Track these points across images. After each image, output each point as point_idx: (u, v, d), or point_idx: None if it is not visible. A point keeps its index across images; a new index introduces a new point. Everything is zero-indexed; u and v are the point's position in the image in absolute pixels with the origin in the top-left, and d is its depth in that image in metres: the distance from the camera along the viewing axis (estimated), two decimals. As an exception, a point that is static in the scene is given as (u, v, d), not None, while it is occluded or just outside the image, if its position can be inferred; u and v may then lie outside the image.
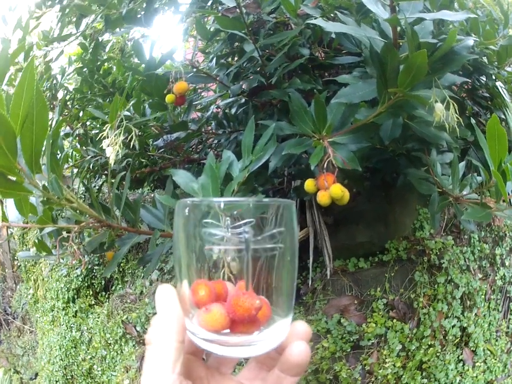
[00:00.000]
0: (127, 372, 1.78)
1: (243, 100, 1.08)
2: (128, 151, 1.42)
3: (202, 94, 1.51)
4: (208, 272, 0.31)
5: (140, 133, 1.45)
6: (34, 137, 0.58)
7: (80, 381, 2.05)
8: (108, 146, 0.75)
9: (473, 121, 0.92)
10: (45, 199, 0.69)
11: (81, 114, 1.63)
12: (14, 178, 0.60)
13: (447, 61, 0.63)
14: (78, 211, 0.80)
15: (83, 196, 1.91)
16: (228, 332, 0.30)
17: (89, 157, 1.22)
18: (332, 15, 0.97)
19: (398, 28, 0.63)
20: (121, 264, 2.07)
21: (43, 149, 0.62)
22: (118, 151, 0.75)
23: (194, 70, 1.01)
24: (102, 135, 0.78)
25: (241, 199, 0.33)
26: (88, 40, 1.51)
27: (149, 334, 0.30)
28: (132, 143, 0.84)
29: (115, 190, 0.84)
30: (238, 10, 0.77)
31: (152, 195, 1.79)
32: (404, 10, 0.64)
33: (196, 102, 1.27)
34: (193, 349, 0.33)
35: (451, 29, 0.91)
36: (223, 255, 0.31)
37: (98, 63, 1.53)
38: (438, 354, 1.34)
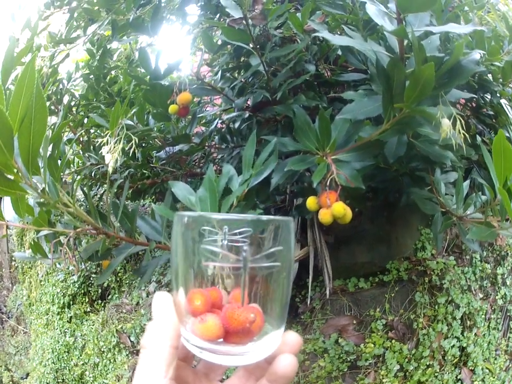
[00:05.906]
0: (118, 380, 1.76)
1: (247, 115, 1.07)
2: (131, 161, 1.41)
3: (207, 108, 1.50)
4: (205, 285, 0.32)
5: (143, 144, 1.45)
6: (32, 137, 0.56)
7: (71, 385, 2.03)
8: (107, 153, 0.75)
9: (479, 139, 0.91)
10: (41, 200, 0.68)
11: (85, 121, 1.63)
12: (11, 177, 0.59)
13: (453, 74, 0.62)
14: (75, 217, 0.79)
15: (84, 204, 1.89)
16: (221, 341, 0.30)
17: (90, 163, 1.21)
18: (339, 32, 0.96)
19: (405, 42, 0.62)
20: (119, 274, 2.05)
21: (41, 149, 0.61)
22: (117, 159, 0.74)
23: (199, 82, 1.01)
24: (102, 141, 0.78)
25: (239, 216, 0.32)
26: (95, 46, 1.52)
27: (144, 338, 0.31)
28: (132, 153, 0.84)
29: (112, 198, 0.82)
30: (244, 21, 0.76)
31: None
32: (411, 24, 0.63)
33: (200, 115, 1.26)
34: (183, 355, 0.34)
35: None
36: (220, 272, 0.31)
37: (105, 70, 1.53)
38: (436, 374, 1.31)
